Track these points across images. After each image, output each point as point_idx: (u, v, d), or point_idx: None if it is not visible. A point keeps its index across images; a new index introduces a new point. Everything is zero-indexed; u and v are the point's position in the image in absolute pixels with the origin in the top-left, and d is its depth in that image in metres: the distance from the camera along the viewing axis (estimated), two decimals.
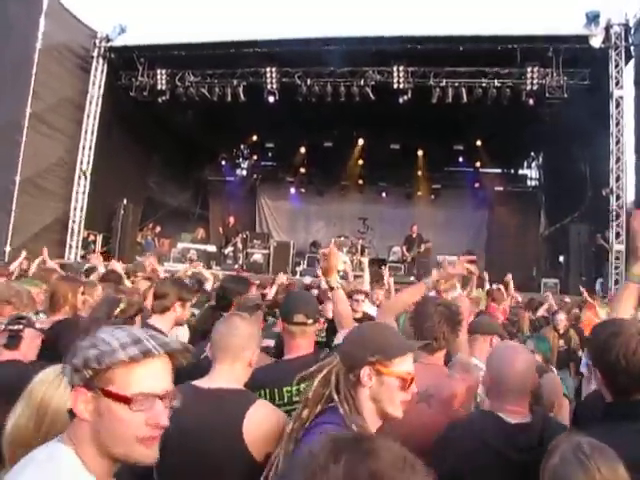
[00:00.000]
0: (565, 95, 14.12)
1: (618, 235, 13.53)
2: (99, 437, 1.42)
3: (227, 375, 2.49)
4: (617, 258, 13.45)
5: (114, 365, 1.41)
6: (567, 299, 11.29)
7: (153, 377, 1.46)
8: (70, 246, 15.95)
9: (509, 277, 9.65)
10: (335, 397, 1.95)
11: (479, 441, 2.30)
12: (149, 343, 1.47)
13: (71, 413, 1.44)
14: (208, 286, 7.32)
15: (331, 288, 3.46)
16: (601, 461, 1.72)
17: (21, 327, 3.18)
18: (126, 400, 1.41)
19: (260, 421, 2.29)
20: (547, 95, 14.30)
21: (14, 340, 3.14)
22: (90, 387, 1.41)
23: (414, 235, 17.47)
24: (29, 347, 3.20)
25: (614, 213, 13.59)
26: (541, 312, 9.05)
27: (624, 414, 2.15)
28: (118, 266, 7.93)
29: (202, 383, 2.48)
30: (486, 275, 10.76)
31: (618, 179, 13.68)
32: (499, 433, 2.32)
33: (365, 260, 8.36)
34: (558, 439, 1.89)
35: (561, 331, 7.89)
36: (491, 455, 2.25)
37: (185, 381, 2.44)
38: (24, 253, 9.59)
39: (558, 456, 1.81)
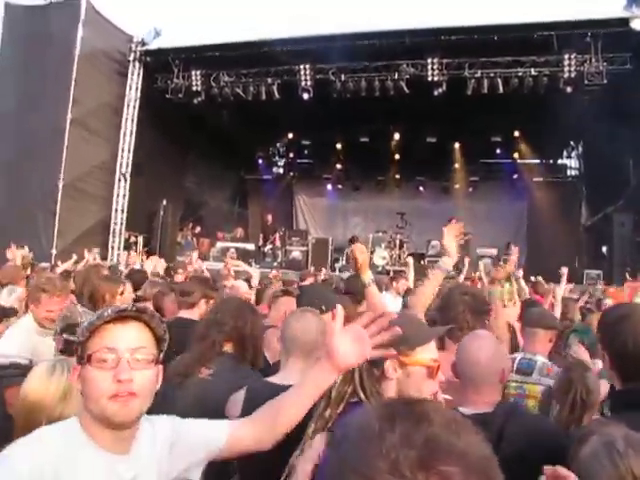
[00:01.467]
0: (605, 81, 13.77)
1: None
2: (85, 404, 1.55)
3: (300, 370, 2.52)
4: None
5: (92, 333, 1.54)
6: (611, 289, 11.06)
7: (119, 336, 1.56)
8: (112, 247, 16.27)
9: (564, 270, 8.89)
10: (361, 395, 1.87)
11: None
12: (122, 307, 1.60)
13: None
14: (255, 282, 7.31)
15: (363, 285, 3.38)
16: (635, 461, 1.60)
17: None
18: (89, 358, 1.53)
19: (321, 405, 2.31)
20: (586, 82, 13.96)
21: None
22: (80, 362, 1.56)
23: None
24: None
25: None
26: (581, 302, 8.74)
27: (633, 403, 2.06)
28: (149, 264, 8.03)
29: (278, 380, 2.52)
30: (520, 272, 10.50)
31: None
32: None
33: (410, 260, 8.26)
34: (592, 425, 1.82)
35: None
36: None
37: None
38: (74, 256, 9.86)
39: (589, 448, 1.71)
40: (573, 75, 13.93)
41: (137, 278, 6.29)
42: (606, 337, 2.20)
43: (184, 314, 4.24)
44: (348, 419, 1.74)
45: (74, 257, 9.75)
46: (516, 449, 2.00)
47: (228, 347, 3.10)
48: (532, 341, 3.71)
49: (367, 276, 3.31)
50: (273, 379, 2.56)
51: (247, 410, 2.43)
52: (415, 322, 2.09)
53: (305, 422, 1.91)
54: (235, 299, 3.92)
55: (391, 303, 7.23)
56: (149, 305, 4.78)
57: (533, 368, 3.51)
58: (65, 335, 3.27)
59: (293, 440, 2.06)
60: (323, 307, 3.02)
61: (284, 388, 2.41)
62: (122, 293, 4.70)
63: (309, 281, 8.50)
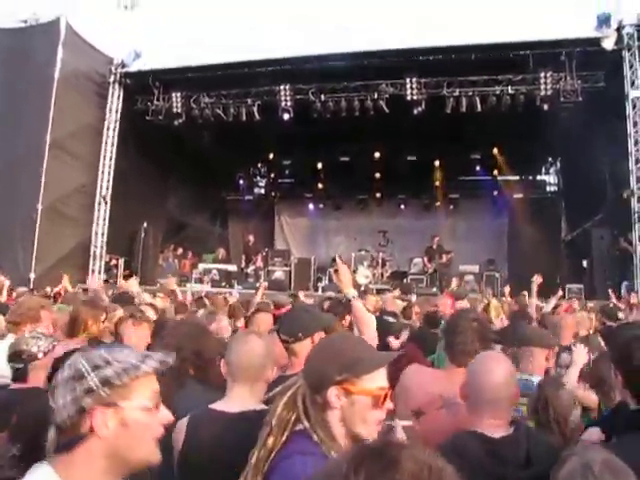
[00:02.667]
0: (580, 99, 14.02)
1: None
2: (118, 450, 1.48)
3: (249, 396, 2.49)
4: None
5: (135, 379, 1.51)
6: (591, 304, 11.15)
7: (155, 383, 1.58)
8: (93, 271, 16.09)
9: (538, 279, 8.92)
10: (305, 424, 1.76)
11: (464, 461, 1.99)
12: (154, 358, 1.59)
13: (65, 445, 1.45)
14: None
15: (348, 300, 3.36)
16: None
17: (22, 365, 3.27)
18: (147, 408, 1.52)
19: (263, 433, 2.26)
20: (562, 99, 14.20)
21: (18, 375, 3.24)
22: (110, 404, 1.47)
23: (435, 246, 17.39)
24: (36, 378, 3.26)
25: (636, 215, 13.41)
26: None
27: None
28: (134, 284, 7.90)
29: (226, 407, 2.44)
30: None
31: (638, 180, 13.50)
32: (483, 450, 2.14)
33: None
34: (576, 448, 1.78)
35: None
36: (479, 475, 1.99)
37: None
38: (66, 278, 9.75)
39: (567, 468, 1.69)
40: (549, 93, 14.16)
41: (125, 299, 6.21)
42: (619, 356, 2.20)
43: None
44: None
45: (65, 278, 9.66)
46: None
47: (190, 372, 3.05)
48: (528, 360, 3.65)
49: (351, 291, 3.30)
50: (218, 405, 2.49)
51: (191, 438, 2.42)
52: (363, 346, 1.97)
53: (247, 451, 1.84)
54: (187, 322, 3.86)
55: None
56: None
57: (530, 389, 3.37)
58: (12, 364, 3.23)
59: (236, 469, 1.99)
60: (300, 334, 3.00)
61: (229, 415, 2.40)
62: (104, 321, 4.62)
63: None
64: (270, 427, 1.78)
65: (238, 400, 2.46)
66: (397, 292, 11.08)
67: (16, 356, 3.24)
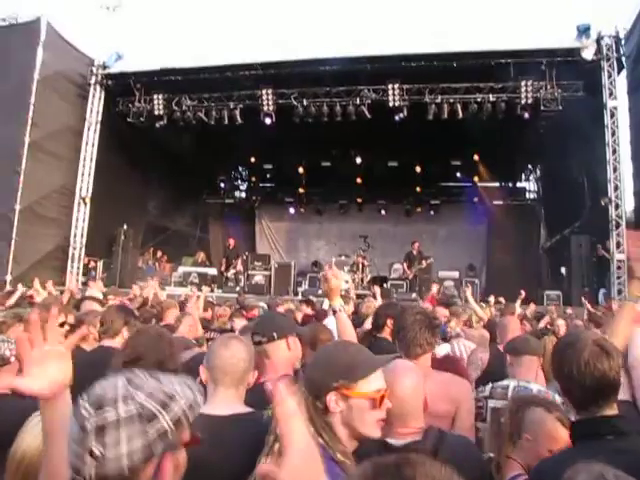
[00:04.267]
0: (560, 107, 14.21)
1: (619, 245, 13.53)
2: None
3: (233, 400, 2.48)
4: (619, 268, 13.42)
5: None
6: (569, 310, 11.28)
7: None
8: (71, 273, 15.92)
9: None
10: (310, 429, 1.78)
11: None
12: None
13: None
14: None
15: (334, 311, 3.32)
16: None
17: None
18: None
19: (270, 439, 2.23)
20: (542, 108, 14.39)
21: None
22: (175, 448, 1.27)
23: (415, 252, 17.45)
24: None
25: (614, 223, 13.60)
26: (542, 324, 9.01)
27: (589, 434, 2.03)
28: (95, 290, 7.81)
29: (214, 410, 2.39)
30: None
31: (616, 188, 13.70)
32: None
33: (377, 290, 8.53)
34: (579, 465, 1.73)
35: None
36: None
37: None
38: (36, 281, 9.60)
39: None
40: (530, 101, 14.32)
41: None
42: (555, 366, 2.20)
43: (106, 343, 4.12)
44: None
45: (20, 288, 9.42)
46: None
47: None
48: (522, 368, 3.72)
49: (337, 302, 3.25)
50: (205, 409, 2.41)
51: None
52: (358, 352, 2.05)
53: (241, 452, 1.91)
54: (151, 329, 3.76)
55: (333, 326, 7.17)
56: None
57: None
58: None
59: (230, 471, 2.04)
60: (275, 334, 2.99)
61: (219, 418, 2.35)
62: (63, 325, 4.51)
63: (281, 309, 8.42)
64: (275, 434, 1.78)
65: (225, 403, 2.44)
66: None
67: None
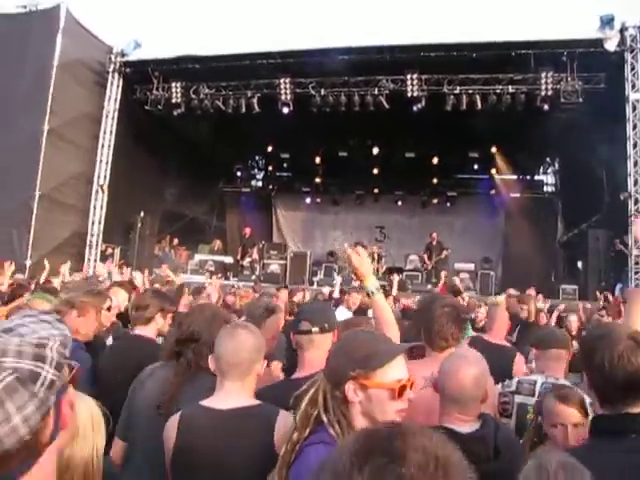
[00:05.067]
0: (580, 100, 14.02)
1: (637, 239, 13.37)
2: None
3: (240, 391, 2.42)
4: (637, 263, 13.28)
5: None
6: (588, 305, 11.17)
7: None
8: (89, 259, 16.07)
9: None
10: (324, 418, 1.83)
11: None
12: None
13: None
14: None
15: (367, 294, 2.99)
16: None
17: None
18: None
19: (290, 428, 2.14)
20: (562, 100, 14.20)
21: None
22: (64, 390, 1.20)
23: (434, 242, 17.39)
24: None
25: (633, 217, 13.44)
26: (553, 320, 8.90)
27: (609, 430, 1.97)
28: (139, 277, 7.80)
29: (217, 404, 2.38)
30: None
31: (636, 183, 13.54)
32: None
33: (396, 277, 8.54)
34: (537, 452, 1.76)
35: (573, 332, 7.46)
36: None
37: None
38: (47, 266, 9.66)
39: (524, 471, 1.70)
40: (550, 93, 14.16)
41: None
42: (584, 357, 2.16)
43: (140, 331, 3.86)
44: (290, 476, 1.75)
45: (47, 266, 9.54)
46: (510, 461, 2.06)
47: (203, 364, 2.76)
48: (551, 363, 3.61)
49: (371, 283, 2.90)
50: (210, 402, 2.41)
51: (183, 438, 2.36)
52: (377, 341, 2.00)
53: (241, 447, 1.96)
54: (208, 308, 3.51)
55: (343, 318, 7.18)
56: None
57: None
58: None
59: (231, 466, 2.06)
60: (326, 325, 2.84)
61: (221, 412, 2.34)
62: (109, 309, 4.53)
63: (299, 296, 8.47)
64: (295, 423, 1.87)
65: (230, 396, 2.40)
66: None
67: None
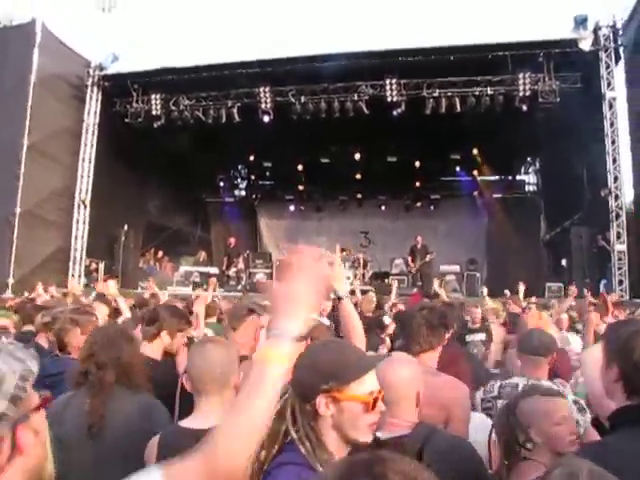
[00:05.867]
0: (558, 99, 14.17)
1: (619, 235, 13.54)
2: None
3: (220, 408, 2.37)
4: (620, 259, 13.45)
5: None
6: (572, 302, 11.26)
7: None
8: (73, 275, 15.93)
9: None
10: (293, 435, 1.73)
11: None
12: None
13: None
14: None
15: (339, 298, 2.96)
16: None
17: None
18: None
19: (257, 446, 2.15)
20: (540, 100, 14.35)
21: None
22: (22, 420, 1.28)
23: (419, 245, 17.46)
24: None
25: (614, 214, 13.61)
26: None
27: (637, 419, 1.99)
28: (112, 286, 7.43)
29: (197, 424, 2.32)
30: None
31: (616, 179, 13.70)
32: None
33: (395, 283, 8.57)
34: (562, 459, 1.71)
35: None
36: None
37: None
38: (40, 285, 9.61)
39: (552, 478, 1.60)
40: (528, 93, 14.31)
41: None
42: (617, 351, 2.19)
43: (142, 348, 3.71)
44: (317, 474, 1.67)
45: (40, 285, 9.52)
46: (437, 470, 1.94)
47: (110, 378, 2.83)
48: (533, 368, 3.56)
49: (342, 288, 2.90)
50: (189, 423, 2.38)
51: (164, 458, 2.30)
52: (349, 351, 1.92)
53: None
54: (108, 328, 3.58)
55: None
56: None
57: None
58: None
59: None
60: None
61: (202, 432, 2.26)
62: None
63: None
64: (262, 440, 1.69)
65: (208, 414, 2.36)
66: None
67: None
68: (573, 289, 9.58)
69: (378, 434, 2.17)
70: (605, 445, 2.09)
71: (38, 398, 1.27)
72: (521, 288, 9.85)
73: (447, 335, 3.46)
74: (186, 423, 2.39)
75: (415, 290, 11.52)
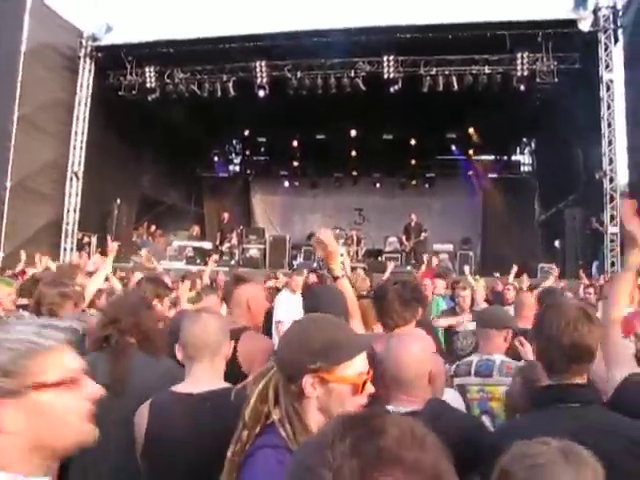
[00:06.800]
0: (555, 80, 14.10)
1: (612, 218, 13.56)
2: (42, 440, 1.31)
3: (211, 374, 2.46)
4: (612, 241, 13.49)
5: (34, 358, 1.34)
6: (562, 283, 11.32)
7: (66, 356, 1.39)
8: (65, 249, 15.88)
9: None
10: (275, 416, 1.66)
11: None
12: (59, 327, 1.41)
13: None
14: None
15: (335, 277, 3.06)
16: None
17: None
18: (58, 386, 1.35)
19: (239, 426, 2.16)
20: (538, 80, 14.27)
21: None
22: (14, 394, 1.29)
23: (413, 223, 17.45)
24: None
25: (608, 196, 13.62)
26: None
27: (556, 399, 2.02)
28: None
29: (188, 389, 2.40)
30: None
31: (611, 162, 13.70)
32: None
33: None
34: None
35: None
36: None
37: None
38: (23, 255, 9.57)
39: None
40: (525, 73, 14.22)
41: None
42: (534, 325, 2.21)
43: None
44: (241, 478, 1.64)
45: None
46: (448, 445, 1.96)
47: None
48: (486, 342, 3.64)
49: (337, 267, 3.02)
50: (180, 388, 2.44)
51: (155, 425, 2.37)
52: (339, 329, 1.80)
53: (216, 431, 1.84)
54: (129, 295, 3.76)
55: (287, 301, 7.18)
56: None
57: (492, 369, 3.46)
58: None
59: (206, 450, 2.01)
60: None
61: (193, 396, 2.36)
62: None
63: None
64: (244, 420, 1.70)
65: (200, 380, 2.42)
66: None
67: None
68: (555, 269, 9.63)
69: (390, 407, 2.23)
70: (521, 424, 2.16)
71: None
72: (514, 270, 9.88)
73: (420, 309, 3.48)
74: (178, 388, 2.45)
75: (423, 268, 11.44)
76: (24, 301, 5.18)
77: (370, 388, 1.72)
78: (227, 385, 2.42)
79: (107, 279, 6.21)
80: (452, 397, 2.91)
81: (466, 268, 11.12)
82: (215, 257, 10.52)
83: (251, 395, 1.71)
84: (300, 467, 0.87)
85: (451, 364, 3.72)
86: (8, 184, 13.80)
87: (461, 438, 2.05)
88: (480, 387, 3.44)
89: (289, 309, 6.64)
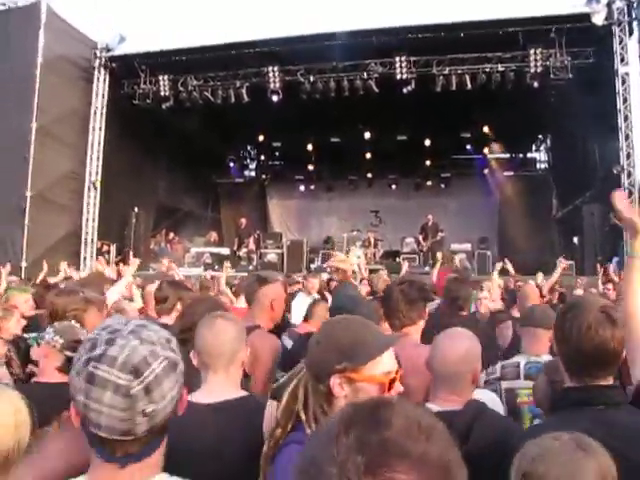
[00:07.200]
0: (570, 75, 13.97)
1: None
2: None
3: (226, 383, 2.38)
4: None
5: None
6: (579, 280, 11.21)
7: None
8: (85, 257, 16.04)
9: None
10: (302, 415, 1.71)
11: None
12: None
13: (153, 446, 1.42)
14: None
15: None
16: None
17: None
18: None
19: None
20: (552, 76, 14.16)
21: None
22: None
23: (430, 224, 17.39)
24: None
25: (626, 191, 13.46)
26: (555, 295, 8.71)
27: (578, 401, 1.98)
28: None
29: (203, 398, 2.32)
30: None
31: (628, 156, 13.55)
32: None
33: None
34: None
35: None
36: None
37: None
38: (46, 266, 9.67)
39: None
40: (539, 70, 14.11)
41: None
42: (555, 328, 2.15)
43: (165, 320, 4.05)
44: (270, 474, 1.71)
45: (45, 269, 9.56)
46: (481, 448, 1.97)
47: None
48: (533, 341, 3.50)
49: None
50: (195, 397, 2.33)
51: (170, 432, 2.34)
52: (365, 329, 1.83)
53: (230, 441, 1.92)
54: (206, 299, 3.76)
55: (303, 304, 7.12)
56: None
57: (542, 371, 3.20)
58: (68, 352, 3.08)
59: (220, 460, 2.03)
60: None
61: (207, 407, 2.27)
62: None
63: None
64: (277, 419, 1.77)
65: (215, 389, 2.36)
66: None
67: (74, 344, 3.12)
68: (564, 262, 9.09)
69: (430, 405, 2.23)
70: (540, 428, 2.10)
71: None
72: (498, 266, 9.07)
73: (427, 309, 3.43)
74: (192, 397, 2.39)
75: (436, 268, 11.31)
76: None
77: (398, 387, 1.75)
78: (243, 394, 2.40)
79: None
80: (489, 399, 2.86)
81: (495, 271, 10.35)
82: (227, 264, 10.50)
83: (284, 395, 1.76)
84: (306, 462, 0.86)
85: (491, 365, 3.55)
86: (28, 195, 13.99)
87: (498, 440, 2.06)
88: (530, 391, 3.22)
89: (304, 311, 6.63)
